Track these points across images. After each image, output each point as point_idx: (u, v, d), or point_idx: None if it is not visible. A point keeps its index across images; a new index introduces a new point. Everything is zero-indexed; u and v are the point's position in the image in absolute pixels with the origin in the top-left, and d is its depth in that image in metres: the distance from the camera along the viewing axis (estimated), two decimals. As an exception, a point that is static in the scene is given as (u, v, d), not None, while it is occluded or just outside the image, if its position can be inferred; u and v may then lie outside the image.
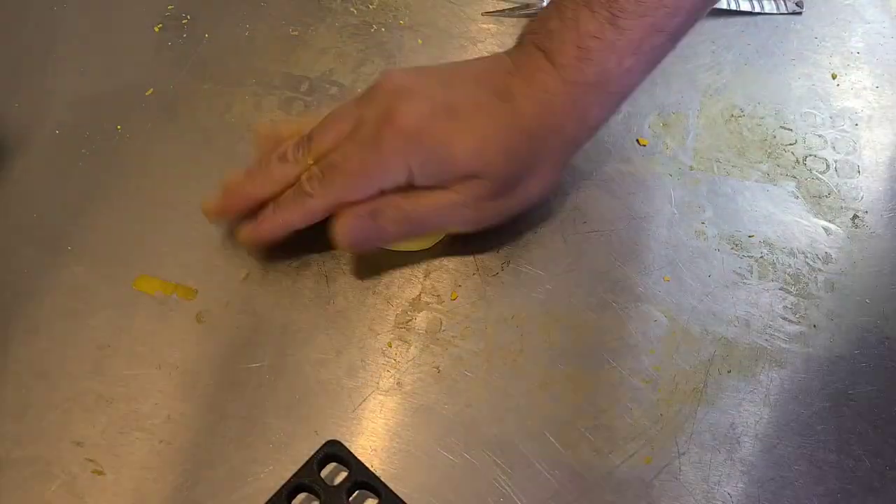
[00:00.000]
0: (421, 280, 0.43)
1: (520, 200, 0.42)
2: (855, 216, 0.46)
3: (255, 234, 0.42)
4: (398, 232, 0.41)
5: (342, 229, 0.39)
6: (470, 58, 0.44)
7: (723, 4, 0.54)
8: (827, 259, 0.45)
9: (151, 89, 0.50)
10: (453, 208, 0.40)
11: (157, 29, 0.53)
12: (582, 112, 0.40)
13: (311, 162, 0.40)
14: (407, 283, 0.43)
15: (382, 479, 0.36)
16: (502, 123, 0.39)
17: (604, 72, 0.39)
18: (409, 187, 0.40)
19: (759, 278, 0.44)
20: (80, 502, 0.37)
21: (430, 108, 0.39)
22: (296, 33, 0.53)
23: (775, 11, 0.55)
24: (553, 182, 0.43)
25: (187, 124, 0.49)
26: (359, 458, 0.36)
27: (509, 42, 0.53)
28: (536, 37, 0.40)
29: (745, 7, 0.54)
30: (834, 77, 0.52)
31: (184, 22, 0.54)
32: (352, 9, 0.55)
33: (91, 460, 0.38)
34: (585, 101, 0.40)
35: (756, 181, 0.47)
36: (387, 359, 0.41)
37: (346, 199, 0.39)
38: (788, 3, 0.55)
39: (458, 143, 0.39)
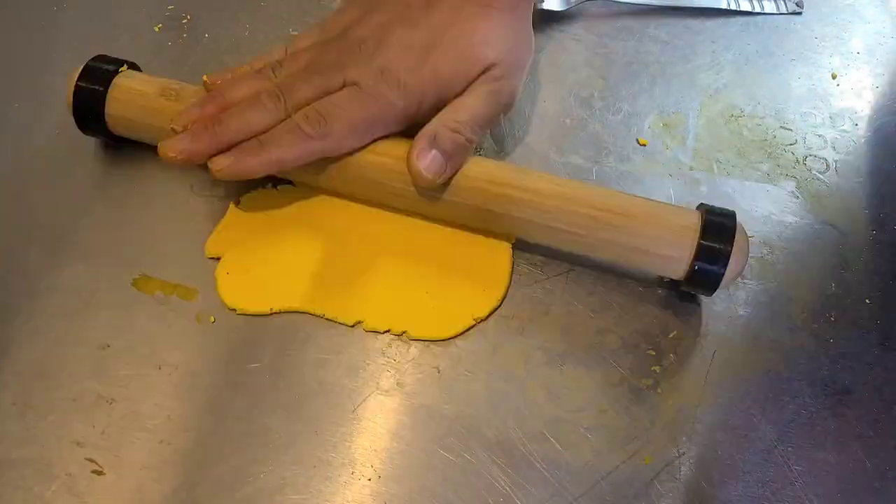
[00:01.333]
0: (421, 280, 0.43)
1: (523, 67, 0.45)
2: (855, 216, 0.46)
3: (238, 168, 0.40)
4: (470, 140, 0.42)
5: (416, 166, 0.40)
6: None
7: (722, 4, 0.54)
8: (827, 260, 0.45)
9: (151, 89, 0.50)
10: (493, 94, 0.43)
11: (157, 29, 0.53)
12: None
13: (293, 112, 0.41)
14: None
15: (382, 479, 0.36)
16: (492, 23, 0.43)
17: None
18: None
19: (760, 279, 0.44)
20: (80, 502, 0.37)
21: (409, 54, 0.42)
22: (296, 33, 0.53)
23: (775, 11, 0.54)
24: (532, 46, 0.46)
25: (187, 124, 0.49)
26: (358, 458, 0.35)
27: (509, 42, 0.53)
28: None
29: (745, 7, 0.54)
30: (834, 77, 0.52)
31: (184, 22, 0.54)
32: (352, 9, 0.55)
33: (91, 460, 0.38)
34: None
35: (756, 181, 0.47)
36: (387, 359, 0.41)
37: (347, 148, 0.41)
38: (788, 3, 0.55)
39: (466, 49, 0.42)
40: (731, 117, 0.50)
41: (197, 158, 0.40)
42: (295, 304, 0.42)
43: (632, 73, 0.52)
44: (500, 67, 0.43)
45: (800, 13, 0.54)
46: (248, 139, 0.40)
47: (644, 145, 0.49)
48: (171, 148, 0.40)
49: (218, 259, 0.43)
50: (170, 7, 0.54)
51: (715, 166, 0.48)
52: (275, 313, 0.42)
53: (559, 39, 0.54)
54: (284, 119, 0.41)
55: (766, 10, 0.54)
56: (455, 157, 0.41)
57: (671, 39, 0.54)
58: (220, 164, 0.40)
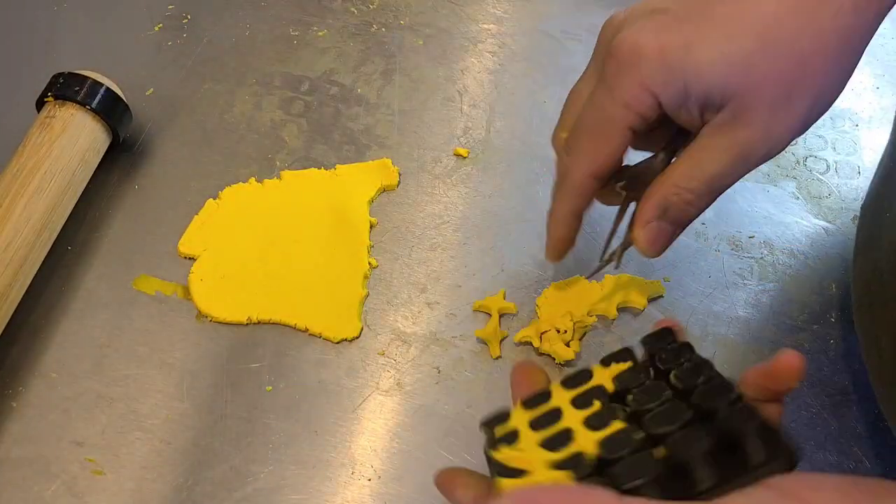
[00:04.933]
0: (422, 281, 0.43)
1: (808, 114, 0.31)
2: (855, 217, 0.46)
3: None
4: (698, 210, 0.33)
5: (645, 244, 0.34)
6: (471, 57, 0.44)
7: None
8: (827, 260, 0.45)
9: (151, 89, 0.50)
10: (744, 143, 0.31)
11: (157, 29, 0.53)
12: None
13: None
14: (407, 284, 0.43)
15: (382, 479, 0.35)
16: (748, 11, 0.30)
17: None
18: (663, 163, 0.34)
19: (760, 279, 0.44)
20: (80, 502, 0.37)
21: (651, 22, 0.31)
22: (296, 33, 0.53)
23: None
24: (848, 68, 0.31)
25: (187, 124, 0.49)
26: (358, 458, 0.35)
27: (510, 42, 0.53)
28: None
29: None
30: (834, 77, 0.52)
31: (184, 22, 0.54)
32: (352, 9, 0.55)
33: (91, 460, 0.38)
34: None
35: (756, 182, 0.47)
36: (387, 359, 0.41)
37: (598, 155, 0.33)
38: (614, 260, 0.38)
39: (700, 47, 0.29)
40: (731, 118, 0.50)
41: None
42: (274, 316, 0.41)
43: (632, 74, 0.52)
44: (753, 100, 0.30)
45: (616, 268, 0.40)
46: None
47: (644, 145, 0.49)
48: None
49: (192, 259, 0.43)
50: (170, 7, 0.54)
51: (715, 166, 0.48)
52: (252, 323, 0.42)
53: (559, 39, 0.54)
54: None
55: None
56: (684, 228, 0.34)
57: (671, 40, 0.54)
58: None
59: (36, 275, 0.41)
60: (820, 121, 0.50)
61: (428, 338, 0.41)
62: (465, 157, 0.48)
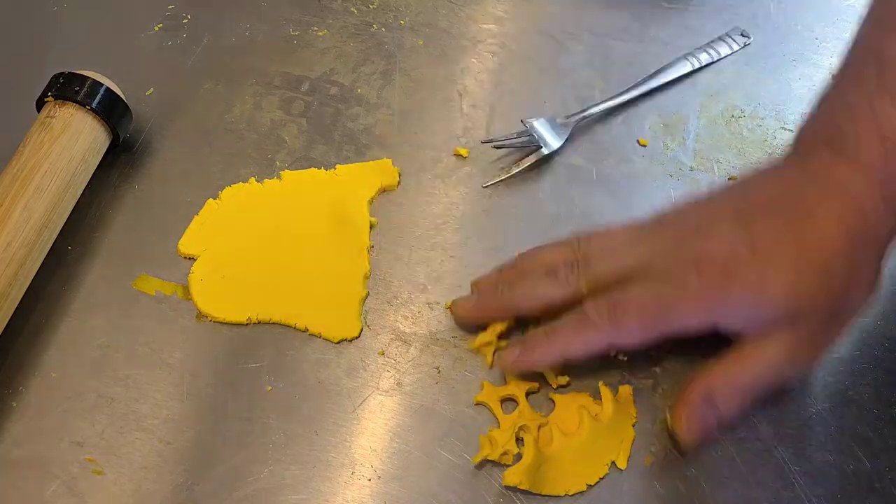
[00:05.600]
0: (421, 281, 0.43)
1: (844, 321, 0.37)
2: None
3: (524, 361, 0.38)
4: (741, 406, 0.37)
5: (684, 426, 0.36)
6: (471, 57, 0.44)
7: (687, 68, 0.52)
8: (827, 260, 0.45)
9: (151, 89, 0.50)
10: (788, 358, 0.36)
11: (157, 29, 0.53)
12: (893, 209, 0.35)
13: (584, 290, 0.37)
14: (407, 285, 0.43)
15: (382, 479, 0.35)
16: (812, 248, 0.35)
17: None
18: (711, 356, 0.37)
19: (759, 279, 0.44)
20: (79, 502, 0.37)
21: (732, 248, 0.35)
22: (296, 33, 0.53)
23: (730, 52, 0.53)
24: (875, 287, 0.36)
25: (187, 124, 0.49)
26: (358, 458, 0.35)
27: (511, 42, 0.53)
28: (822, 135, 0.36)
29: (705, 60, 0.52)
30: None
31: (184, 22, 0.54)
32: (352, 9, 0.55)
33: (91, 460, 0.38)
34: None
35: (756, 182, 0.47)
36: (387, 359, 0.41)
37: (634, 340, 0.37)
38: (737, 38, 0.54)
39: (770, 284, 0.34)
40: (731, 118, 0.50)
41: (482, 316, 0.41)
42: (274, 316, 0.41)
43: (632, 73, 0.52)
44: (809, 318, 0.35)
45: (749, 43, 0.54)
46: (538, 321, 0.40)
47: (644, 146, 0.49)
48: (461, 306, 0.41)
49: (192, 259, 0.43)
50: (170, 7, 0.54)
51: (715, 167, 0.48)
52: (252, 323, 0.42)
53: (559, 39, 0.54)
54: (573, 294, 0.38)
55: (723, 55, 0.53)
56: (726, 418, 0.37)
57: (671, 40, 0.54)
58: (508, 359, 0.39)
59: (36, 275, 0.41)
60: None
61: (428, 338, 0.41)
62: (464, 157, 0.48)
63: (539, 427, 0.38)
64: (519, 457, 0.37)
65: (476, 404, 0.39)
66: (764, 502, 0.37)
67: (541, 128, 0.47)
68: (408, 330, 0.42)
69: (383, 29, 0.54)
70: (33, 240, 0.40)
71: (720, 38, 0.53)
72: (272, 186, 0.46)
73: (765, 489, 0.37)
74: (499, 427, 0.38)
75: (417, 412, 0.39)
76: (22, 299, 0.40)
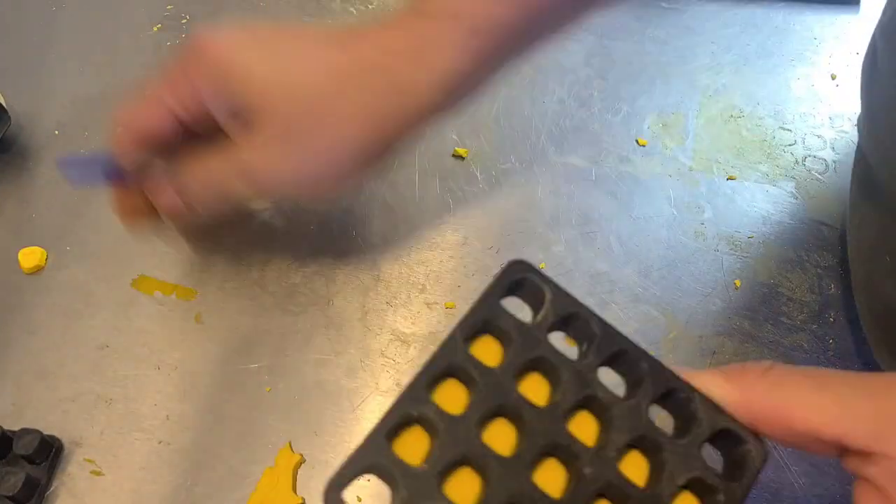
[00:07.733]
0: (421, 281, 0.43)
1: (312, 158, 0.33)
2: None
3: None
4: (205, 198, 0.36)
5: (163, 211, 0.37)
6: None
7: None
8: (826, 260, 0.45)
9: (151, 89, 0.50)
10: (230, 162, 0.34)
11: (156, 29, 0.53)
12: (420, 48, 0.32)
13: None
14: (406, 285, 0.43)
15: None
16: (311, 54, 0.32)
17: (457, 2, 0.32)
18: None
19: (758, 279, 0.44)
20: (79, 502, 0.37)
21: (234, 34, 0.33)
22: (295, 33, 0.53)
23: None
24: (362, 147, 0.33)
25: (187, 124, 0.49)
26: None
27: (509, 42, 0.53)
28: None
29: None
30: (833, 78, 0.52)
31: (183, 22, 0.54)
32: (351, 9, 0.55)
33: (90, 461, 0.38)
34: (427, 36, 0.32)
35: (755, 181, 0.47)
36: (386, 359, 0.41)
37: (137, 119, 0.35)
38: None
39: (239, 64, 0.32)
40: (730, 118, 0.50)
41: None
42: None
43: (632, 73, 0.52)
44: (267, 121, 0.33)
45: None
46: None
47: (643, 146, 0.49)
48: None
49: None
50: (169, 7, 0.54)
51: (714, 167, 0.48)
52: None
53: (559, 39, 0.54)
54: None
55: None
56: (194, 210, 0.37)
57: (671, 39, 0.54)
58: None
59: (36, 274, 0.41)
60: (819, 121, 0.51)
61: (427, 338, 0.41)
62: (464, 158, 0.48)
63: None
64: None
65: None
66: (764, 502, 0.37)
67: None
68: (407, 330, 0.42)
69: (383, 29, 0.54)
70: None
71: None
72: None
73: (764, 489, 0.37)
74: None
75: (417, 412, 0.39)
76: (22, 298, 0.40)
